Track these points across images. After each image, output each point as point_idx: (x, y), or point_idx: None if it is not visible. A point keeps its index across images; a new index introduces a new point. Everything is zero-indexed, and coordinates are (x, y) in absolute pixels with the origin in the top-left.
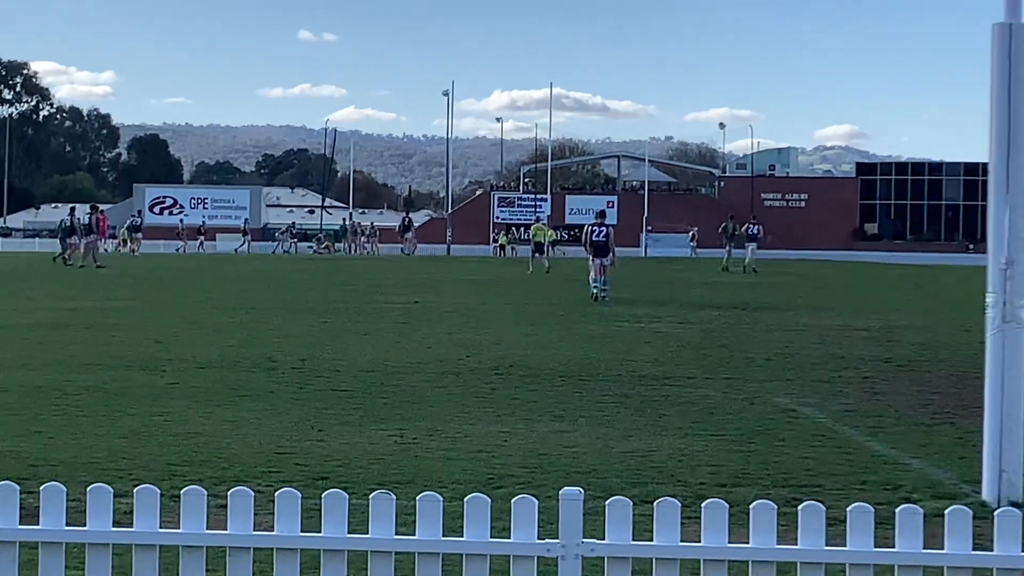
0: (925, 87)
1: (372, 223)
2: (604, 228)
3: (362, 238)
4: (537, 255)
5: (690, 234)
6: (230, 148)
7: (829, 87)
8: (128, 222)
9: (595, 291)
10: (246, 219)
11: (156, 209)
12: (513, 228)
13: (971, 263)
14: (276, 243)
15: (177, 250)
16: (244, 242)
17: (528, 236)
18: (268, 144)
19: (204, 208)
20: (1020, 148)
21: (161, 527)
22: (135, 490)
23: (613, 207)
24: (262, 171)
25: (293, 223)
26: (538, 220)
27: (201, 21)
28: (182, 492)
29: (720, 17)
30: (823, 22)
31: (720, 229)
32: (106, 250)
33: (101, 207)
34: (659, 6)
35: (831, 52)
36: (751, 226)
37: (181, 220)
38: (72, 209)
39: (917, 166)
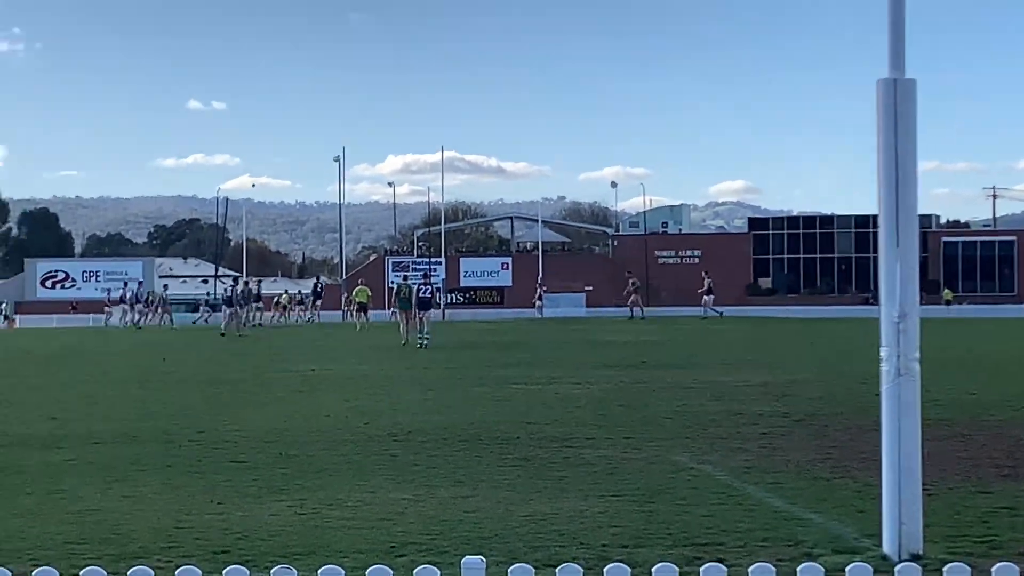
0: (815, 142)
1: (296, 292)
2: (429, 287)
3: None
4: (362, 315)
5: (537, 293)
6: (121, 220)
7: (720, 144)
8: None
9: (420, 341)
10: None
11: (48, 283)
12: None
13: (866, 315)
14: (198, 315)
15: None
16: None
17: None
18: (159, 215)
19: (96, 281)
20: (908, 203)
21: None
22: (33, 573)
23: (508, 268)
24: (154, 242)
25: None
26: (360, 283)
27: (91, 93)
28: (81, 573)
29: (611, 77)
30: (712, 80)
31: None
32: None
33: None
34: (552, 70)
35: (722, 109)
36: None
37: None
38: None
39: (808, 220)
